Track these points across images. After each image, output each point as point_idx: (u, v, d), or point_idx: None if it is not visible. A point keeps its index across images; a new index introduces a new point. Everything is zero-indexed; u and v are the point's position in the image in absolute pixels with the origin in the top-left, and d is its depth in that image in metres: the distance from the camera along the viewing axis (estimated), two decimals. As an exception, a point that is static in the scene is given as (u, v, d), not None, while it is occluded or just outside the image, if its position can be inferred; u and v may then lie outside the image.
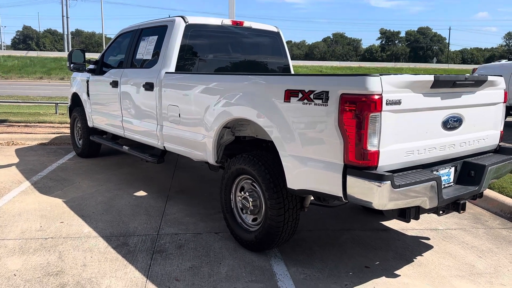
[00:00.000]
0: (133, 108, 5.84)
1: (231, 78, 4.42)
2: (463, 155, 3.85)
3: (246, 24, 5.79)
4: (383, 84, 3.00)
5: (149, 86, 5.32)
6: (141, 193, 5.87)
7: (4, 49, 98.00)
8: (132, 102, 5.85)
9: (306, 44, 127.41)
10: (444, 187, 3.67)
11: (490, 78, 3.80)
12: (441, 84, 3.33)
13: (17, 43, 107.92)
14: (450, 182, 3.77)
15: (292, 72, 6.28)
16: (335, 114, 3.14)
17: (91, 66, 7.05)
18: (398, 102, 3.10)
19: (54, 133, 9.63)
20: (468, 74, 3.87)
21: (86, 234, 4.45)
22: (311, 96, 3.32)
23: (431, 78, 3.24)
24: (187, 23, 5.28)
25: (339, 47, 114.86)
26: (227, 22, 5.62)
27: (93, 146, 7.60)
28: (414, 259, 4.06)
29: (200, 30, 5.45)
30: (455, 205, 3.62)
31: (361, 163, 3.07)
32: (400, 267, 3.90)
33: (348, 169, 3.12)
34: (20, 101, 14.80)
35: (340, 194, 3.20)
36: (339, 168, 3.17)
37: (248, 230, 4.13)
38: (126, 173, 6.90)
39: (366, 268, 3.86)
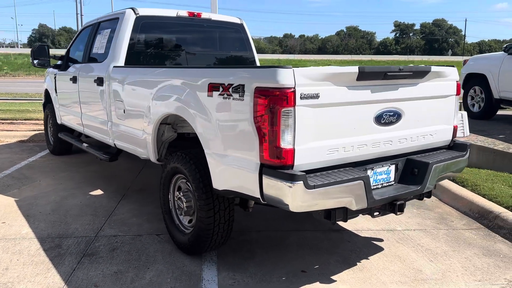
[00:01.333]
0: (89, 104, 5.69)
1: (163, 71, 4.21)
2: (406, 152, 3.58)
3: (205, 15, 5.56)
4: (296, 77, 2.76)
5: (99, 81, 5.15)
6: (98, 192, 5.71)
7: (21, 47, 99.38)
8: (88, 98, 5.70)
9: (319, 38, 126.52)
10: (382, 186, 3.43)
11: (434, 69, 3.52)
12: (368, 76, 3.07)
13: (33, 41, 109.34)
14: (391, 181, 3.50)
15: (257, 63, 6.03)
16: (250, 109, 2.92)
17: (59, 62, 6.91)
18: (315, 96, 2.85)
19: (36, 130, 9.55)
20: (412, 65, 3.59)
21: (23, 235, 4.30)
22: (230, 90, 3.10)
23: (354, 70, 2.98)
24: (138, 15, 5.09)
25: (352, 40, 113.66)
26: (183, 13, 5.40)
27: (63, 143, 7.47)
28: (358, 263, 3.81)
29: (153, 22, 5.25)
30: (391, 206, 3.35)
31: (275, 162, 2.84)
32: (339, 271, 3.65)
33: (264, 169, 2.90)
34: (10, 98, 14.81)
35: (258, 196, 2.98)
36: (256, 167, 2.94)
37: (184, 232, 3.93)
38: (92, 171, 6.75)
39: (302, 272, 3.62)
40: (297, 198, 2.77)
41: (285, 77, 2.74)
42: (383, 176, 3.45)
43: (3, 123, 10.44)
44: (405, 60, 57.57)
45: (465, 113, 5.96)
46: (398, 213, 3.34)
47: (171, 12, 5.34)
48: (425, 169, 3.49)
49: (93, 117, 5.59)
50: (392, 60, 53.40)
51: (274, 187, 2.84)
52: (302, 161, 2.88)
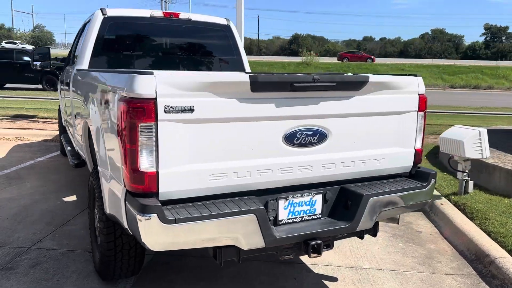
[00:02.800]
0: (67, 107, 5.56)
1: (83, 74, 3.89)
2: (340, 180, 2.92)
3: (183, 16, 5.17)
4: (158, 86, 2.27)
5: (66, 85, 4.98)
6: (72, 198, 5.55)
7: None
8: (66, 101, 5.57)
9: (402, 41, 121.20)
10: (302, 220, 2.82)
11: (376, 79, 2.82)
12: (266, 87, 2.49)
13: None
14: (316, 214, 2.86)
15: (246, 69, 5.52)
16: (117, 122, 2.48)
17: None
18: (188, 110, 2.34)
19: (65, 130, 9.78)
20: (340, 74, 2.93)
21: (-37, 241, 4.20)
22: (109, 97, 2.69)
23: (245, 79, 2.42)
24: (105, 16, 4.82)
25: (436, 44, 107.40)
26: (158, 14, 5.06)
27: (68, 144, 7.48)
28: (286, 309, 3.20)
29: (123, 23, 4.96)
30: (306, 246, 2.72)
31: (137, 188, 2.37)
32: (256, 318, 3.07)
33: (128, 195, 2.44)
34: (52, 97, 15.54)
35: (126, 226, 2.53)
36: (123, 192, 2.50)
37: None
38: (85, 175, 6.64)
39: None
40: (150, 234, 2.28)
41: (143, 86, 2.27)
42: (305, 207, 2.83)
43: (38, 122, 10.86)
44: (493, 65, 52.92)
45: (483, 131, 5.00)
46: (312, 255, 2.70)
47: (144, 13, 5.02)
48: (358, 202, 2.81)
49: (69, 121, 5.46)
50: (476, 65, 49.21)
51: (131, 219, 2.38)
52: (172, 187, 2.39)
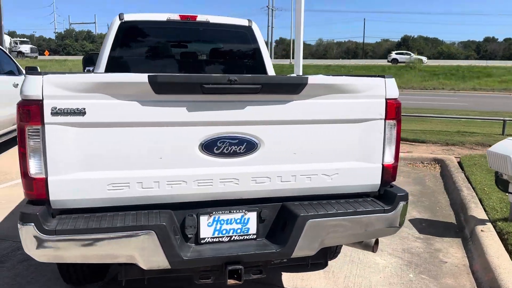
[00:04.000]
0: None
1: None
2: (281, 196, 2.54)
3: (201, 18, 5.06)
4: (44, 87, 2.16)
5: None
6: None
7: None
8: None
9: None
10: (230, 240, 2.50)
11: (318, 80, 2.41)
12: (172, 89, 2.24)
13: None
14: (249, 234, 2.53)
15: (270, 73, 5.23)
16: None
17: None
18: (79, 112, 2.19)
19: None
20: (269, 75, 2.52)
21: None
22: None
23: (141, 79, 2.20)
24: (122, 21, 4.90)
25: None
26: (175, 17, 5.01)
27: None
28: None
29: (139, 27, 5.00)
30: (226, 271, 2.39)
31: (30, 195, 2.28)
32: None
33: (25, 201, 2.37)
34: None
35: None
36: (25, 199, 2.43)
37: None
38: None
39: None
40: (29, 244, 2.17)
41: (30, 87, 2.16)
42: (235, 226, 2.50)
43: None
44: None
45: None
46: (229, 281, 2.37)
47: (161, 16, 5.01)
48: (293, 224, 2.42)
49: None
50: None
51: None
52: (65, 196, 2.25)
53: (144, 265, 2.28)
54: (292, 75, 2.74)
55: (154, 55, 5.14)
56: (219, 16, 5.20)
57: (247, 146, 2.40)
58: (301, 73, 9.12)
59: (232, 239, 2.50)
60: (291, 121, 2.44)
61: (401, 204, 2.58)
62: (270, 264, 2.59)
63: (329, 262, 3.81)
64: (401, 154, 7.87)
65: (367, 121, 2.55)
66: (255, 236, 2.53)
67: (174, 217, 2.41)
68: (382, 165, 2.63)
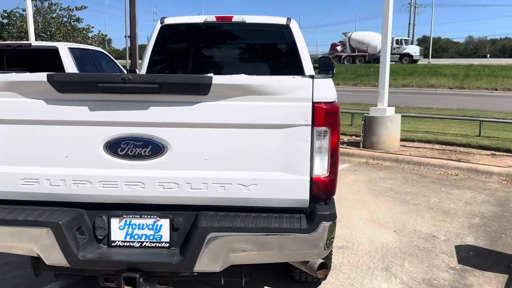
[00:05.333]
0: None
1: None
2: (196, 205, 2.37)
3: (237, 18, 4.99)
4: None
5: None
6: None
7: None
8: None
9: None
10: (141, 246, 2.43)
11: (227, 80, 2.18)
12: (71, 88, 2.24)
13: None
14: (162, 242, 2.41)
15: (306, 73, 4.93)
16: None
17: None
18: None
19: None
20: (169, 75, 2.31)
21: None
22: None
23: (41, 78, 2.24)
24: (163, 24, 5.09)
25: None
26: (211, 18, 5.03)
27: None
28: None
29: (179, 30, 5.12)
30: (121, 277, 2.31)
31: None
32: None
33: None
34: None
35: None
36: None
37: None
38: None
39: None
40: None
41: None
42: (147, 232, 2.40)
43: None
44: None
45: None
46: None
47: (198, 19, 5.07)
48: (194, 236, 2.24)
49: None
50: None
51: None
52: None
53: (46, 261, 2.32)
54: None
55: (192, 57, 5.23)
56: (256, 16, 5.07)
57: (153, 149, 2.28)
58: (387, 75, 8.43)
59: (143, 245, 2.40)
60: (200, 124, 2.25)
61: (323, 224, 2.19)
62: (178, 276, 2.42)
63: (325, 284, 3.46)
64: (499, 169, 6.85)
65: (290, 127, 2.23)
66: (168, 245, 2.39)
67: (86, 217, 2.41)
68: (311, 178, 2.27)
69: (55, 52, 7.65)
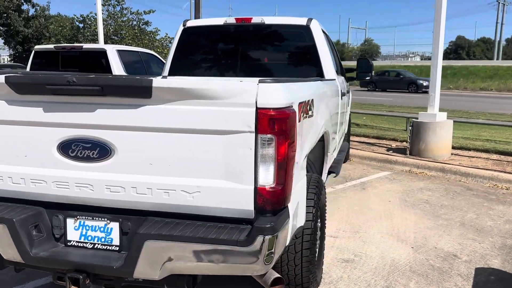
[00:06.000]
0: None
1: None
2: (144, 210, 2.34)
3: (256, 20, 4.90)
4: None
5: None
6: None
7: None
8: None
9: None
10: (94, 248, 2.45)
11: (167, 84, 2.12)
12: (27, 89, 2.31)
13: (448, 53, 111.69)
14: (112, 245, 2.41)
15: (326, 75, 4.72)
16: None
17: None
18: None
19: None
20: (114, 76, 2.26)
21: None
22: None
23: (1, 79, 2.32)
24: (185, 27, 5.15)
25: None
26: (231, 20, 5.00)
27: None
28: None
29: (199, 32, 5.14)
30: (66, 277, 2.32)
31: None
32: None
33: None
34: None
35: None
36: None
37: None
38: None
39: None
40: None
41: None
42: (99, 234, 2.41)
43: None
44: None
45: None
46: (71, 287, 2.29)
47: (219, 21, 5.05)
48: (132, 242, 2.20)
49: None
50: None
51: None
52: None
53: (4, 255, 2.41)
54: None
55: (212, 58, 5.23)
56: (275, 17, 4.96)
57: (100, 151, 2.28)
58: (438, 78, 7.87)
59: (95, 247, 2.41)
60: (145, 127, 2.20)
61: (260, 238, 2.05)
62: (124, 281, 2.39)
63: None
64: None
65: (233, 133, 2.11)
66: (118, 248, 2.38)
67: (45, 215, 2.46)
68: (255, 187, 2.14)
69: (103, 54, 8.04)
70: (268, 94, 2.07)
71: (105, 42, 14.44)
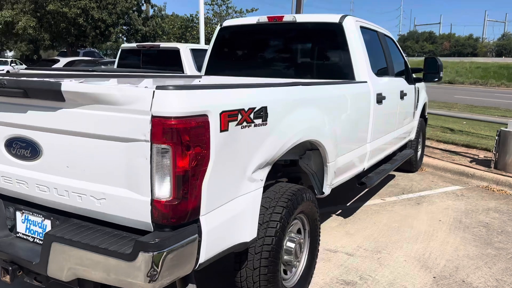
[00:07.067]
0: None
1: None
2: (68, 211, 2.40)
3: (288, 18, 4.69)
4: None
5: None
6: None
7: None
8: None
9: None
10: (34, 241, 2.56)
11: (72, 88, 2.12)
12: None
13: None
14: (45, 240, 2.50)
15: (357, 75, 4.34)
16: None
17: None
18: None
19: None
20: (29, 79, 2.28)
21: None
22: None
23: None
24: (221, 26, 5.16)
25: None
26: (263, 19, 4.86)
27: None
28: None
29: (234, 32, 5.10)
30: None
31: None
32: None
33: None
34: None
35: None
36: None
37: None
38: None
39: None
40: None
41: None
42: (38, 229, 2.53)
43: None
44: None
45: None
46: (4, 277, 2.42)
47: (252, 20, 4.95)
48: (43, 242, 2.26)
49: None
50: None
51: None
52: None
53: None
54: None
55: (245, 57, 5.16)
56: (308, 14, 4.70)
57: (32, 151, 2.37)
58: None
59: (35, 241, 2.52)
60: (62, 130, 2.23)
61: (143, 255, 1.93)
62: (51, 278, 2.44)
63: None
64: None
65: (131, 141, 2.03)
66: (49, 243, 2.46)
67: (2, 206, 2.64)
68: (152, 200, 2.03)
69: (177, 52, 8.40)
70: (166, 101, 1.95)
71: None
